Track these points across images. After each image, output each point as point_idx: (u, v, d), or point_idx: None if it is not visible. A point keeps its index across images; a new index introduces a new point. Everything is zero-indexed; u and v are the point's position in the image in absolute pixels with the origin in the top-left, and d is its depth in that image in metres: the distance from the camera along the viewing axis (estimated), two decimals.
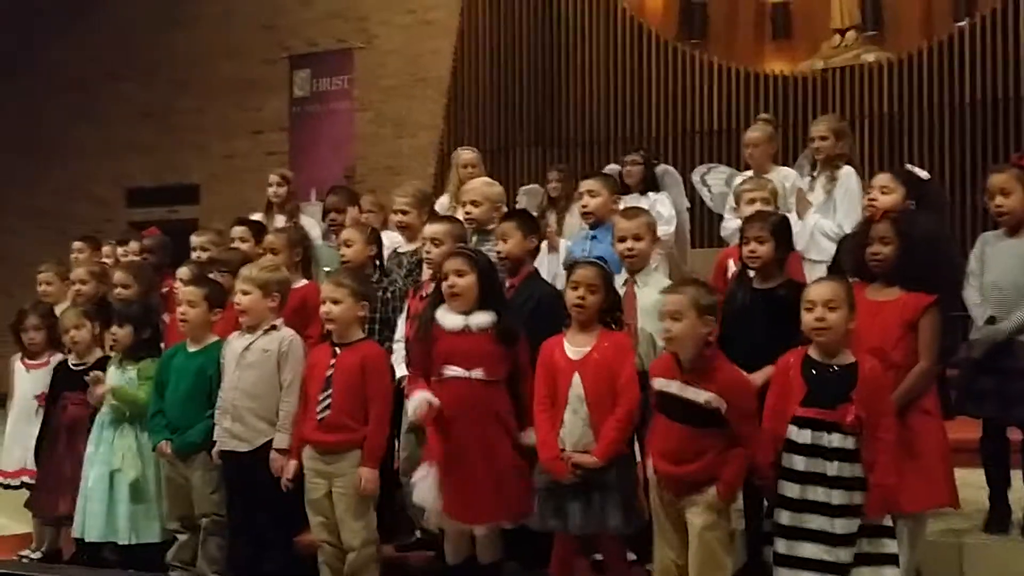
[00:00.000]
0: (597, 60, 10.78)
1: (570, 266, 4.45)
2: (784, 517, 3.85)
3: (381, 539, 4.61)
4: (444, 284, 4.42)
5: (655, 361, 4.19)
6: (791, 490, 3.85)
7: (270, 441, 4.69)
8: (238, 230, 6.19)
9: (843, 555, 3.77)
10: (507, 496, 4.32)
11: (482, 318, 4.37)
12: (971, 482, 4.77)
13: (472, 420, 4.33)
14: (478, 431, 4.33)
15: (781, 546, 3.85)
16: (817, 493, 3.81)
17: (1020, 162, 4.89)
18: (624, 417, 4.12)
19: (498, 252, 4.82)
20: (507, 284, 4.78)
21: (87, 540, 5.15)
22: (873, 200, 4.72)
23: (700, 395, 3.89)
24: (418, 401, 4.35)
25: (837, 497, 3.80)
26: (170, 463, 4.95)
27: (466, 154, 6.84)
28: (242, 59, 12.66)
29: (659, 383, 4.02)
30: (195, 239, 6.38)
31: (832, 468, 3.81)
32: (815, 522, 3.80)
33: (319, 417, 4.50)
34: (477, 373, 4.35)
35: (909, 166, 5.38)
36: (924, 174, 5.21)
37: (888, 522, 3.90)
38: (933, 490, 4.18)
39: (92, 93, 13.28)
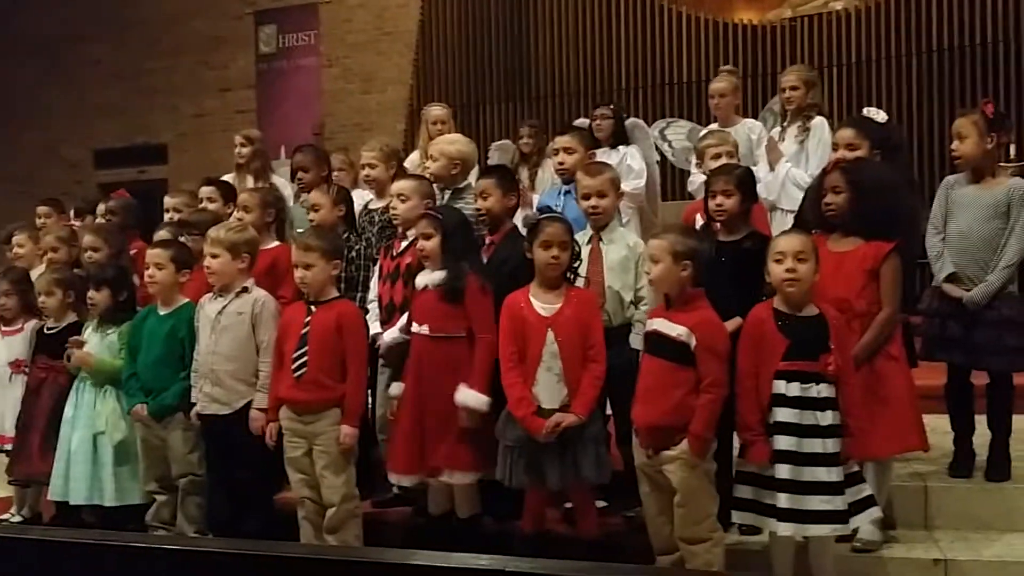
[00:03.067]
0: (566, 12, 10.74)
1: (534, 224, 4.35)
2: (784, 471, 3.85)
3: (360, 495, 4.65)
4: (418, 247, 4.49)
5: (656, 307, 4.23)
6: (787, 443, 3.86)
7: (250, 402, 4.72)
8: (205, 190, 6.15)
9: (840, 503, 3.83)
10: (463, 448, 4.36)
11: (435, 276, 4.43)
12: (936, 427, 4.86)
13: (421, 375, 4.42)
14: (427, 387, 4.41)
15: (783, 500, 3.84)
16: (814, 445, 3.84)
17: (986, 107, 4.88)
18: (601, 373, 4.17)
19: (477, 209, 4.83)
20: (487, 241, 4.80)
21: (72, 503, 5.12)
22: (841, 159, 4.72)
23: (674, 329, 3.95)
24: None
25: (832, 446, 3.85)
26: (146, 425, 4.95)
27: (436, 110, 6.78)
28: (210, 16, 12.52)
29: (649, 323, 4.09)
30: (169, 200, 6.33)
31: (826, 418, 3.86)
32: (813, 473, 3.83)
33: (296, 375, 4.51)
34: (424, 329, 4.42)
35: (867, 110, 5.35)
36: (882, 116, 5.17)
37: (856, 467, 3.98)
38: (903, 434, 4.24)
39: (60, 55, 13.11)
